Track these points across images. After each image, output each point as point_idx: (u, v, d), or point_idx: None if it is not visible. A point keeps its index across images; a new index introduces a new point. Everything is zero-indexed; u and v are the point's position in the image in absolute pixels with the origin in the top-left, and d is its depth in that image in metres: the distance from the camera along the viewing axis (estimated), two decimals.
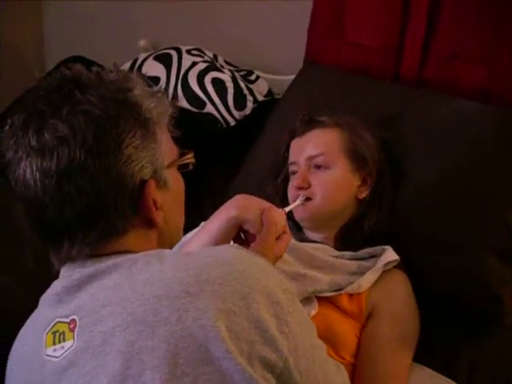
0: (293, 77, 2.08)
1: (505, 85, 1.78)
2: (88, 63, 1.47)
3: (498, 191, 1.54)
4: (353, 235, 1.51)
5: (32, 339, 0.92)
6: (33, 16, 2.91)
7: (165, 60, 2.23)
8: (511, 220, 1.52)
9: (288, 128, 1.63)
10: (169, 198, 0.97)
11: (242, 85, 2.18)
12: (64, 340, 0.86)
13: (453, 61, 1.85)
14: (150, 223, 0.94)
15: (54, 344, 0.87)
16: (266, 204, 1.15)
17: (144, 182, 0.91)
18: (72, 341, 0.85)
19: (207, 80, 2.14)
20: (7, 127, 0.90)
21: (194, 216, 1.49)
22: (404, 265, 1.45)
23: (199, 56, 2.24)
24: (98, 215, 0.89)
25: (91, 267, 0.89)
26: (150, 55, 2.29)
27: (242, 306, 0.83)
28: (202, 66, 2.19)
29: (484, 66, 1.81)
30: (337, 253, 1.45)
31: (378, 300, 1.37)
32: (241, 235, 1.16)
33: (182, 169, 1.02)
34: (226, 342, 0.80)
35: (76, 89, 0.89)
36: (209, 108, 2.13)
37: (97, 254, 0.90)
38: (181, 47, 2.27)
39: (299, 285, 1.32)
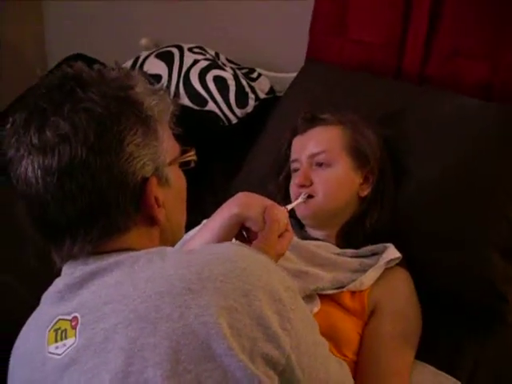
0: (295, 74, 2.08)
1: (507, 81, 1.78)
2: (90, 61, 1.47)
3: (501, 188, 1.54)
4: (355, 233, 1.51)
5: (34, 337, 0.92)
6: (33, 16, 2.92)
7: (166, 58, 2.23)
8: None
9: (290, 125, 1.63)
10: (171, 195, 0.97)
11: (244, 82, 2.18)
12: (66, 337, 0.86)
13: (455, 58, 1.86)
14: (151, 221, 0.94)
15: (56, 341, 0.87)
16: (268, 202, 1.15)
17: (146, 180, 0.91)
18: (74, 338, 0.85)
19: (209, 78, 2.14)
20: (9, 125, 0.90)
21: (196, 213, 1.49)
22: (407, 262, 1.45)
23: (201, 54, 2.24)
24: (100, 213, 0.89)
25: (93, 265, 0.89)
26: (151, 53, 2.29)
27: (244, 302, 0.83)
28: (203, 63, 2.19)
29: (486, 62, 1.81)
30: (339, 250, 1.45)
31: (380, 297, 1.37)
32: (243, 233, 1.16)
33: (184, 166, 1.02)
34: (228, 339, 0.80)
35: (77, 87, 0.89)
36: (210, 106, 2.13)
37: (98, 251, 0.90)
38: (182, 45, 2.27)
39: (301, 282, 1.32)
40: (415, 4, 1.89)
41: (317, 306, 1.33)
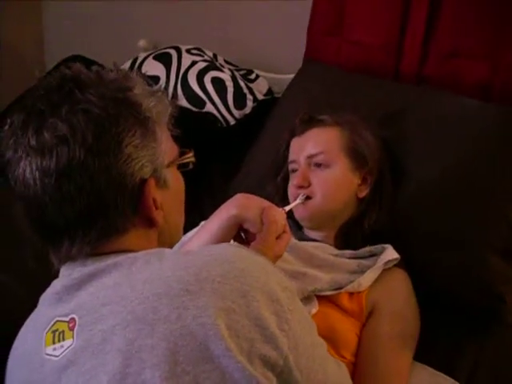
0: (293, 75, 2.08)
1: (507, 82, 1.78)
2: (88, 62, 1.47)
3: (501, 189, 1.54)
4: (353, 234, 1.51)
5: (32, 338, 0.92)
6: (32, 16, 2.92)
7: (164, 59, 2.23)
8: None
9: (288, 127, 1.63)
10: (169, 197, 0.97)
11: (242, 84, 2.18)
12: (63, 339, 0.86)
13: (453, 58, 1.85)
14: (150, 222, 0.94)
15: (54, 343, 0.87)
16: (267, 203, 1.15)
17: (144, 181, 0.91)
18: (71, 340, 0.85)
19: (207, 79, 2.14)
20: (7, 127, 0.90)
21: (194, 215, 1.49)
22: (406, 262, 1.45)
23: (199, 55, 2.24)
24: (98, 214, 0.88)
25: (91, 266, 0.89)
26: (149, 54, 2.29)
27: (242, 303, 0.83)
28: (201, 65, 2.19)
29: (485, 63, 1.81)
30: (337, 251, 1.46)
31: (379, 298, 1.37)
32: (241, 234, 1.16)
33: (182, 168, 1.02)
34: (226, 340, 0.80)
35: (76, 88, 0.88)
36: (209, 107, 2.13)
37: (97, 252, 0.90)
38: (180, 46, 2.27)
39: (299, 283, 1.32)
40: (413, 4, 1.89)
41: (315, 308, 1.33)
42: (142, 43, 2.54)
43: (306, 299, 1.33)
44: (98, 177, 0.87)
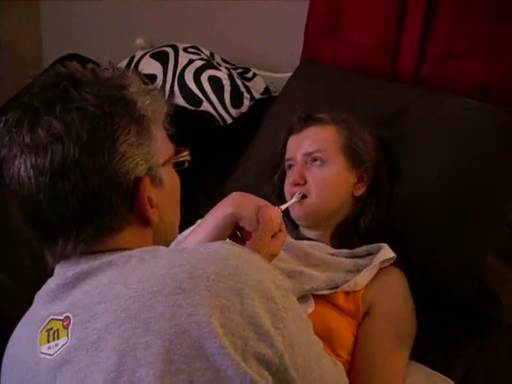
0: (290, 74, 2.08)
1: (504, 83, 1.78)
2: (84, 61, 1.47)
3: (500, 189, 1.54)
4: (349, 233, 1.51)
5: (27, 337, 0.92)
6: (31, 16, 2.91)
7: (161, 58, 2.23)
8: None
9: (285, 125, 1.63)
10: (164, 195, 0.96)
11: (239, 82, 2.18)
12: (58, 337, 0.86)
13: (450, 59, 1.85)
14: (145, 221, 0.94)
15: (49, 341, 0.87)
16: (262, 202, 1.15)
17: (139, 180, 0.91)
18: (66, 338, 0.85)
19: (204, 78, 2.14)
20: (1, 124, 0.90)
21: (190, 213, 1.49)
22: (405, 262, 1.45)
23: (196, 54, 2.24)
24: (93, 212, 0.88)
25: (85, 264, 0.89)
26: (146, 53, 2.29)
27: (236, 301, 0.83)
28: (198, 63, 2.19)
29: (482, 63, 1.80)
30: (333, 250, 1.46)
31: (375, 298, 1.38)
32: (237, 233, 1.16)
33: (178, 166, 1.02)
34: (220, 338, 0.80)
35: (71, 86, 0.88)
36: (205, 106, 2.13)
37: (91, 251, 0.90)
38: (177, 45, 2.27)
39: (295, 282, 1.32)
40: (410, 4, 1.88)
41: (311, 307, 1.33)
42: (139, 42, 2.54)
43: (303, 298, 1.33)
44: (92, 175, 0.86)
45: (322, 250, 1.45)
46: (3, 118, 0.90)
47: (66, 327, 0.86)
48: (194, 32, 2.48)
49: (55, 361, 0.85)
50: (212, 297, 0.82)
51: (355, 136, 1.53)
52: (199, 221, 1.25)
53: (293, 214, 1.50)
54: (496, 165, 1.55)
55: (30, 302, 0.96)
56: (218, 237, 1.13)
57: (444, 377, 1.39)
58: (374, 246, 1.45)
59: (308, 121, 1.57)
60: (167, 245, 1.04)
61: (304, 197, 1.46)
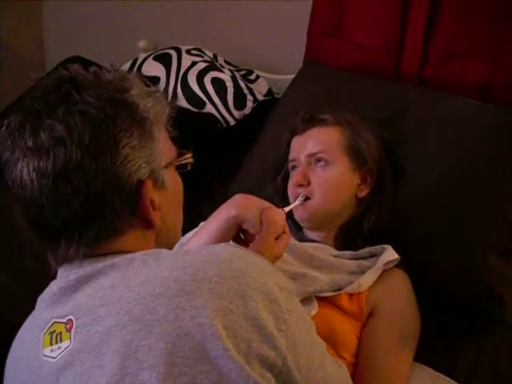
0: (293, 76, 2.08)
1: (506, 83, 1.78)
2: (87, 63, 1.47)
3: (501, 189, 1.53)
4: (353, 234, 1.51)
5: (30, 340, 0.92)
6: (33, 16, 2.91)
7: (164, 60, 2.24)
8: None
9: (288, 126, 1.63)
10: (166, 198, 0.96)
11: (242, 84, 2.18)
12: (61, 340, 0.86)
13: (453, 59, 1.85)
14: (147, 223, 0.94)
15: (51, 344, 0.87)
16: (266, 204, 1.15)
17: (141, 182, 0.91)
18: (69, 341, 0.85)
19: (207, 80, 2.14)
20: (4, 128, 0.90)
21: (194, 216, 1.49)
22: (406, 263, 1.45)
23: (199, 56, 2.24)
24: (95, 215, 0.88)
25: (88, 267, 0.89)
26: (149, 55, 2.30)
27: (239, 304, 0.83)
28: (201, 65, 2.19)
29: (485, 64, 1.80)
30: (337, 252, 1.45)
31: (379, 299, 1.37)
32: (240, 235, 1.16)
33: (181, 169, 1.02)
34: (223, 340, 0.80)
35: (73, 89, 0.88)
36: (209, 108, 2.13)
37: (94, 254, 0.90)
38: (180, 47, 2.27)
39: (299, 284, 1.32)
40: (413, 5, 1.88)
41: (314, 309, 1.33)
42: (142, 44, 2.54)
43: (306, 300, 1.33)
44: (94, 178, 0.86)
45: (325, 251, 1.44)
46: (5, 122, 0.90)
47: (68, 330, 0.86)
48: (197, 34, 2.48)
49: (58, 364, 0.85)
50: (215, 299, 0.82)
51: (358, 137, 1.53)
52: (202, 223, 1.25)
53: (296, 216, 1.49)
54: (496, 165, 1.55)
55: (32, 305, 0.96)
56: (221, 239, 1.12)
57: (448, 378, 1.39)
58: (378, 247, 1.44)
59: (311, 122, 1.57)
60: (170, 247, 1.04)
61: (307, 199, 1.46)
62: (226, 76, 2.17)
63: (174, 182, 0.99)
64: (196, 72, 2.16)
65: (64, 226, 0.88)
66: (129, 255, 0.89)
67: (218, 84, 2.14)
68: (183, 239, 1.27)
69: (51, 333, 0.88)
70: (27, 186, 0.87)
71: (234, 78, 2.17)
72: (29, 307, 0.97)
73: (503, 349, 1.47)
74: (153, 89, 0.98)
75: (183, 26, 2.54)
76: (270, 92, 2.27)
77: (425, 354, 1.39)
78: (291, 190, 1.51)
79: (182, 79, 2.17)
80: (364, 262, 1.41)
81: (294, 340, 0.87)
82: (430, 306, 1.43)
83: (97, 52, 2.34)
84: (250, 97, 2.16)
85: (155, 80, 2.16)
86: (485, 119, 1.62)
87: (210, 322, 0.80)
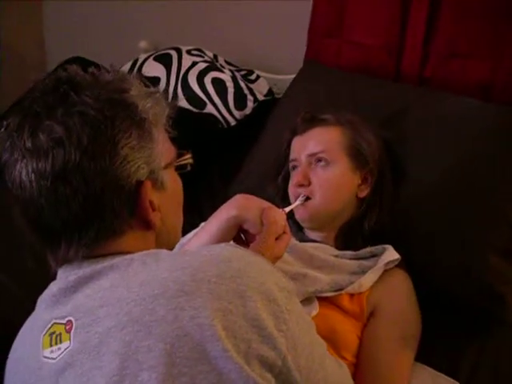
0: (293, 76, 2.08)
1: (507, 82, 1.78)
2: (88, 64, 1.47)
3: (501, 189, 1.53)
4: (353, 234, 1.51)
5: (30, 341, 0.92)
6: (33, 17, 2.91)
7: (165, 60, 2.24)
8: None
9: (289, 126, 1.63)
10: (166, 198, 0.96)
11: (243, 84, 2.18)
12: (60, 341, 0.86)
13: (454, 58, 1.85)
14: (147, 224, 0.94)
15: (51, 345, 0.87)
16: (266, 204, 1.15)
17: (140, 183, 0.91)
18: (68, 342, 0.85)
19: (207, 80, 2.14)
20: (2, 129, 0.90)
21: (194, 216, 1.49)
22: (406, 263, 1.44)
23: (199, 56, 2.25)
24: (94, 216, 0.88)
25: (87, 268, 0.89)
26: (150, 56, 2.30)
27: (239, 304, 0.82)
28: (202, 65, 2.19)
29: (485, 63, 1.80)
30: (337, 252, 1.45)
31: (380, 299, 1.37)
32: (241, 235, 1.16)
33: (180, 170, 1.02)
34: (223, 341, 0.79)
35: (71, 90, 0.88)
36: (209, 108, 2.13)
37: (94, 255, 0.90)
38: (181, 47, 2.28)
39: (299, 285, 1.32)
40: (413, 4, 1.88)
41: (315, 309, 1.32)
42: (142, 44, 2.54)
43: (307, 301, 1.33)
44: (93, 179, 0.86)
45: (326, 251, 1.44)
46: (4, 123, 0.90)
47: (68, 331, 0.86)
48: (197, 34, 2.48)
49: (58, 365, 0.85)
50: (214, 299, 0.82)
51: (359, 137, 1.53)
52: (203, 223, 1.25)
53: (297, 216, 1.49)
54: (496, 165, 1.55)
55: (32, 305, 0.96)
56: (221, 239, 1.12)
57: (449, 378, 1.39)
58: (379, 247, 1.44)
59: (312, 122, 1.57)
60: (170, 248, 1.03)
61: (308, 199, 1.46)
62: (226, 76, 2.17)
63: (173, 183, 0.99)
64: (196, 72, 2.17)
65: (63, 227, 0.88)
66: (128, 256, 0.89)
67: (219, 84, 2.14)
68: (183, 239, 1.27)
69: (51, 334, 0.88)
70: (26, 187, 0.87)
71: (234, 78, 2.18)
72: (29, 308, 0.97)
73: (504, 349, 1.47)
74: (152, 89, 0.97)
75: (183, 26, 2.54)
76: (270, 92, 2.27)
77: (426, 354, 1.39)
78: (292, 190, 1.51)
79: (182, 79, 2.17)
80: (365, 262, 1.41)
81: (293, 340, 0.87)
82: (431, 306, 1.43)
83: (97, 52, 2.34)
84: (250, 97, 2.16)
85: (156, 80, 2.16)
86: (485, 119, 1.62)
87: (210, 322, 0.80)
